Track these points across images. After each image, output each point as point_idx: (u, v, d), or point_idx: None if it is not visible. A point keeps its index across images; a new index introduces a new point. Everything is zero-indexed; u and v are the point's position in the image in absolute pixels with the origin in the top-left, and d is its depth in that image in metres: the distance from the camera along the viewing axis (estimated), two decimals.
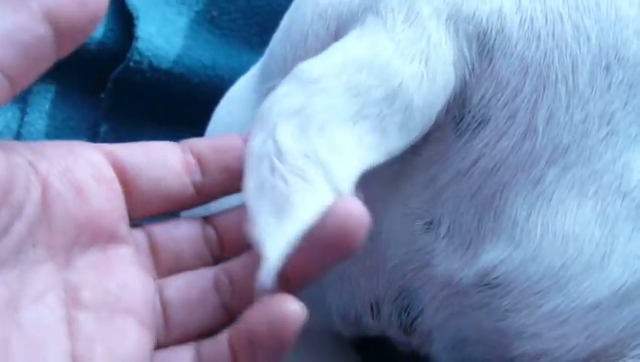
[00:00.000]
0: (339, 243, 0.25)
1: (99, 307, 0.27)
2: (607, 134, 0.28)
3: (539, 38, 0.27)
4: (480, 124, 0.28)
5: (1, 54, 0.24)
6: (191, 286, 0.29)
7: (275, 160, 0.25)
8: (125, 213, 0.29)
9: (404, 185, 0.29)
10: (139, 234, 0.29)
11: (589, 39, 0.27)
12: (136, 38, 0.46)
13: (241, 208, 0.28)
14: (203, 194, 0.30)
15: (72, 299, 0.27)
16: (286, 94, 0.26)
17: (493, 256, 0.28)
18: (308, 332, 0.28)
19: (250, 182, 0.25)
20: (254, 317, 0.26)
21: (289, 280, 0.26)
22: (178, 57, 0.46)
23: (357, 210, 0.24)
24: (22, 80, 0.25)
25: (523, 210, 0.28)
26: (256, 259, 0.27)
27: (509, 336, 0.30)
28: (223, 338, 0.28)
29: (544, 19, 0.27)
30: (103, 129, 0.46)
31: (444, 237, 0.29)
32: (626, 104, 0.28)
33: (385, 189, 0.30)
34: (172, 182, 0.29)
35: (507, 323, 0.29)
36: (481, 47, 0.27)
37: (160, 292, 0.29)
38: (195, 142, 0.30)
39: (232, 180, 0.29)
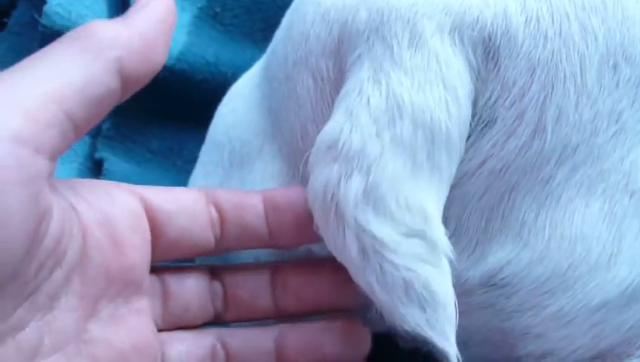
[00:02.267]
0: None
1: None
2: (615, 132, 0.28)
3: (546, 37, 0.27)
4: (487, 124, 0.28)
5: (75, 107, 0.25)
6: (191, 354, 0.30)
7: (386, 253, 0.26)
8: (149, 262, 0.29)
9: None
10: (154, 281, 0.30)
11: (596, 38, 0.27)
12: None
13: (251, 270, 0.31)
14: (220, 248, 0.30)
15: (89, 354, 0.27)
16: (340, 178, 0.27)
17: (500, 256, 0.28)
18: None
19: (369, 278, 0.26)
20: None
21: None
22: (181, 54, 0.45)
23: None
24: (87, 127, 0.26)
25: (531, 210, 0.28)
26: (255, 336, 0.31)
27: (514, 336, 0.30)
28: None
29: (550, 19, 0.27)
30: (105, 126, 0.46)
31: (450, 237, 0.29)
32: (633, 102, 0.28)
33: None
34: (197, 233, 0.30)
35: (512, 324, 0.29)
36: (487, 50, 0.27)
37: (162, 352, 0.29)
38: (218, 193, 0.30)
39: (247, 237, 0.30)
